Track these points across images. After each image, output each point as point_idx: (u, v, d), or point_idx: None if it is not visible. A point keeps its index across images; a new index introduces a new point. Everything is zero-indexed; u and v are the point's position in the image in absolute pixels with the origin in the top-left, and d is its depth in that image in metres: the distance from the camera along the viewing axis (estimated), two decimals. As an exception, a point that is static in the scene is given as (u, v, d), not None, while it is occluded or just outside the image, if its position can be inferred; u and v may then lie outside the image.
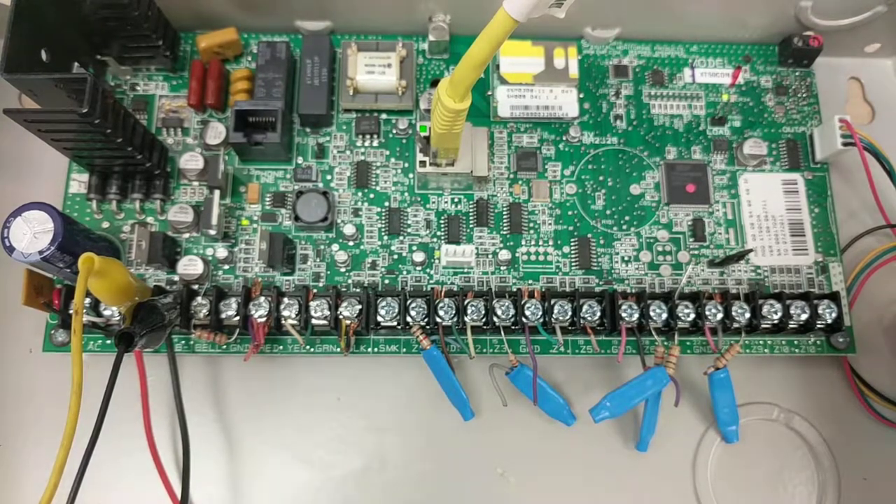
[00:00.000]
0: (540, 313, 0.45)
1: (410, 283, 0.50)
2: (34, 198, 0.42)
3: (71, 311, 0.43)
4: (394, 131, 0.53)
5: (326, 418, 0.50)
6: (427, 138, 0.46)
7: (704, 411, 0.51)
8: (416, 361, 0.49)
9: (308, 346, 0.49)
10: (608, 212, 0.53)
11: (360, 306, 0.45)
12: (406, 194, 0.52)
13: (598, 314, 0.46)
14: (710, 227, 0.53)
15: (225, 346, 0.48)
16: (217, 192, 0.49)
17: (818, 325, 0.47)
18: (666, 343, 0.47)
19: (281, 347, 0.49)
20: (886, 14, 0.54)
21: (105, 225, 0.50)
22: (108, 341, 0.48)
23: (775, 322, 0.46)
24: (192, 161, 0.50)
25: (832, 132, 0.52)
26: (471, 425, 0.49)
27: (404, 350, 0.49)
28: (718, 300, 0.46)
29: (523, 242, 0.51)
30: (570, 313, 0.45)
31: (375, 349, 0.49)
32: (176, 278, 0.49)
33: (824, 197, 0.54)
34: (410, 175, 0.53)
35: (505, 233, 0.52)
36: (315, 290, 0.46)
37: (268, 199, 0.51)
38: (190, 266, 0.48)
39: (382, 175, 0.52)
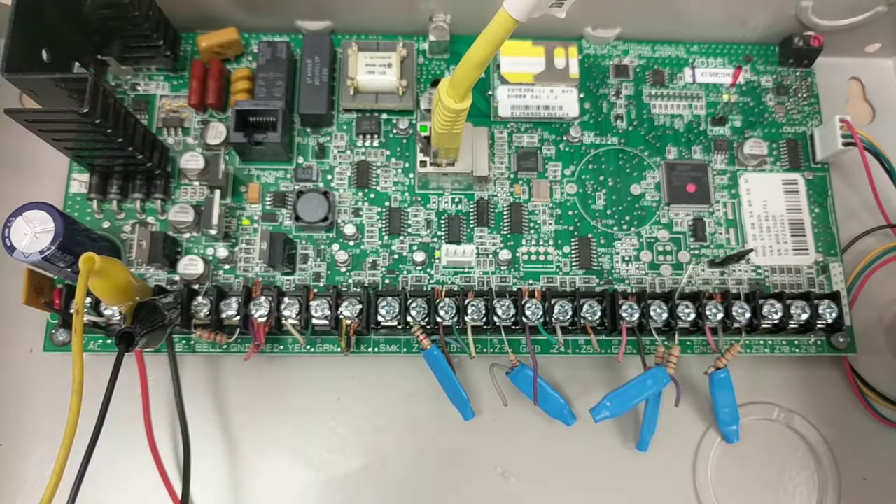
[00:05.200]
0: (540, 313, 0.45)
1: (411, 283, 0.50)
2: (35, 197, 0.43)
3: (72, 311, 0.43)
4: (394, 131, 0.53)
5: (326, 418, 0.50)
6: (427, 138, 0.46)
7: (705, 411, 0.51)
8: (416, 361, 0.49)
9: (308, 346, 0.49)
10: (609, 212, 0.53)
11: (360, 306, 0.45)
12: (406, 194, 0.52)
13: (599, 314, 0.46)
14: (710, 227, 0.53)
15: (225, 346, 0.48)
16: (217, 192, 0.49)
17: (818, 325, 0.47)
18: (666, 343, 0.47)
19: (281, 347, 0.49)
20: (887, 14, 0.54)
21: (106, 225, 0.50)
22: (109, 341, 0.48)
23: (776, 322, 0.46)
24: (192, 161, 0.50)
25: (833, 132, 0.52)
26: (471, 425, 0.49)
27: (405, 350, 0.49)
28: (719, 300, 0.46)
29: (524, 242, 0.51)
30: (570, 313, 0.45)
31: (376, 349, 0.49)
32: (176, 278, 0.49)
33: (825, 197, 0.54)
34: (411, 175, 0.53)
35: (505, 233, 0.52)
36: (315, 290, 0.46)
37: (268, 199, 0.51)
38: (190, 266, 0.48)
39: (383, 175, 0.53)
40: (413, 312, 0.45)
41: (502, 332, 0.46)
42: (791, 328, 0.47)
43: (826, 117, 0.55)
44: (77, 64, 0.47)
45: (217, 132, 0.51)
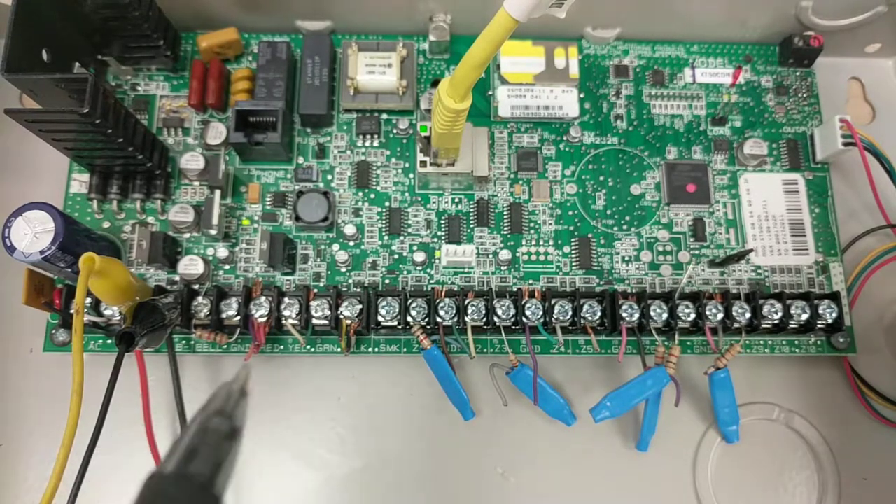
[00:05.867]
0: (540, 313, 0.45)
1: (411, 283, 0.50)
2: (35, 198, 0.43)
3: (72, 311, 0.43)
4: (394, 131, 0.53)
5: (327, 418, 0.50)
6: (428, 138, 0.46)
7: (705, 411, 0.51)
8: (416, 361, 0.49)
9: (308, 346, 0.49)
10: (609, 212, 0.53)
11: (360, 306, 0.45)
12: (406, 194, 0.52)
13: (599, 314, 0.46)
14: (710, 227, 0.53)
15: (225, 346, 0.48)
16: (218, 192, 0.49)
17: (818, 325, 0.47)
18: (666, 343, 0.47)
19: (281, 347, 0.49)
20: (887, 14, 0.54)
21: (106, 225, 0.50)
22: (109, 341, 0.48)
23: (776, 322, 0.46)
24: (192, 161, 0.50)
25: (833, 132, 0.52)
26: (471, 425, 0.49)
27: (405, 350, 0.49)
28: (719, 300, 0.46)
29: (524, 242, 0.51)
30: (570, 313, 0.45)
31: (376, 349, 0.49)
32: (177, 278, 0.49)
33: (825, 197, 0.54)
34: (411, 175, 0.53)
35: (505, 233, 0.52)
36: (316, 290, 0.46)
37: (268, 199, 0.51)
38: (191, 266, 0.48)
39: (383, 175, 0.53)
40: (413, 312, 0.45)
41: (502, 332, 0.46)
42: (791, 328, 0.47)
43: (826, 117, 0.55)
44: (77, 64, 0.47)
45: (217, 132, 0.51)
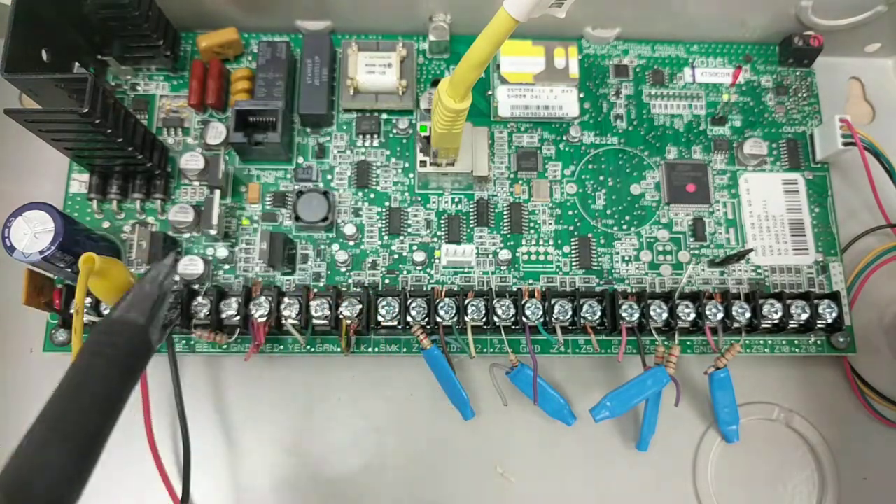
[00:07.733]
0: (540, 313, 0.45)
1: (411, 283, 0.50)
2: (35, 197, 0.43)
3: (72, 311, 0.43)
4: (394, 131, 0.53)
5: (326, 418, 0.50)
6: (427, 138, 0.46)
7: (705, 411, 0.51)
8: (416, 361, 0.49)
9: (308, 346, 0.49)
10: (608, 211, 0.53)
11: (360, 306, 0.45)
12: (406, 194, 0.52)
13: (599, 314, 0.46)
14: (710, 227, 0.53)
15: (225, 346, 0.48)
16: (217, 192, 0.49)
17: (818, 325, 0.47)
18: (666, 343, 0.47)
19: (281, 347, 0.49)
20: (886, 14, 0.54)
21: (105, 225, 0.50)
22: (109, 341, 0.48)
23: (776, 322, 0.46)
24: (192, 161, 0.50)
25: (832, 132, 0.52)
26: (471, 425, 0.49)
27: (405, 350, 0.49)
28: (719, 300, 0.46)
29: (524, 242, 0.51)
30: (570, 313, 0.45)
31: (376, 349, 0.49)
32: (176, 278, 0.49)
33: (825, 197, 0.54)
34: (411, 175, 0.53)
35: (505, 232, 0.52)
36: (315, 290, 0.46)
37: (268, 199, 0.51)
38: (190, 266, 0.48)
39: (383, 175, 0.53)
40: (413, 312, 0.45)
41: (502, 332, 0.46)
42: (791, 328, 0.47)
43: (826, 117, 0.55)
44: (77, 64, 0.47)
45: (217, 132, 0.51)
